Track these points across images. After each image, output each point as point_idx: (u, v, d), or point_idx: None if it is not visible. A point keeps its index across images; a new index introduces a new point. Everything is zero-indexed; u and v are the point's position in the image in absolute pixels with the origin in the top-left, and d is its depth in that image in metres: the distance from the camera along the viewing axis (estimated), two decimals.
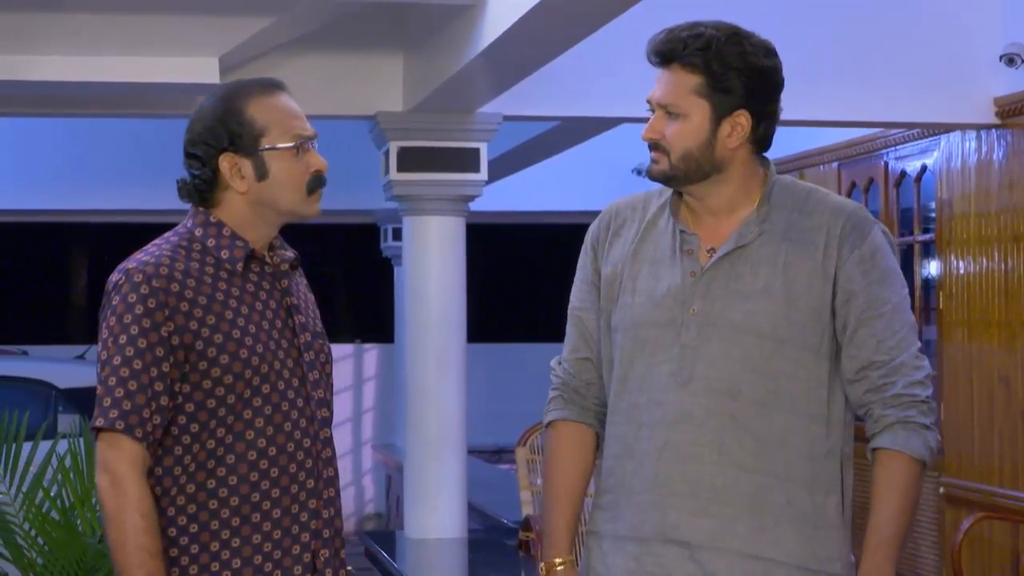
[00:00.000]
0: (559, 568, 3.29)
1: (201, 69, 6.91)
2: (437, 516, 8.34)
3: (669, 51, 3.13)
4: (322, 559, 3.17)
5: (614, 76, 7.87)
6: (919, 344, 3.14)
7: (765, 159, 3.22)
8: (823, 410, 3.11)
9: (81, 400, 9.29)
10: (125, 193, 12.13)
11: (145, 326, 3.01)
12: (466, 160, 8.29)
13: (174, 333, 3.03)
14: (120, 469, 2.99)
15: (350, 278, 17.13)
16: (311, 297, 3.35)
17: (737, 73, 3.08)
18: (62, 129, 11.61)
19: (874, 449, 3.10)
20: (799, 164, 10.32)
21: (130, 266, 3.09)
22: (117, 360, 3.01)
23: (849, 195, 9.79)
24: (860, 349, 3.08)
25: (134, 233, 15.13)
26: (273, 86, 3.23)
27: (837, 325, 3.11)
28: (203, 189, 3.17)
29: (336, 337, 15.91)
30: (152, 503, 3.00)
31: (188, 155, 3.18)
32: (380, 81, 8.22)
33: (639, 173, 12.54)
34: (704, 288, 3.13)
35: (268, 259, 3.21)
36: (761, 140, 3.16)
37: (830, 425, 3.12)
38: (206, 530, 3.07)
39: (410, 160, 8.28)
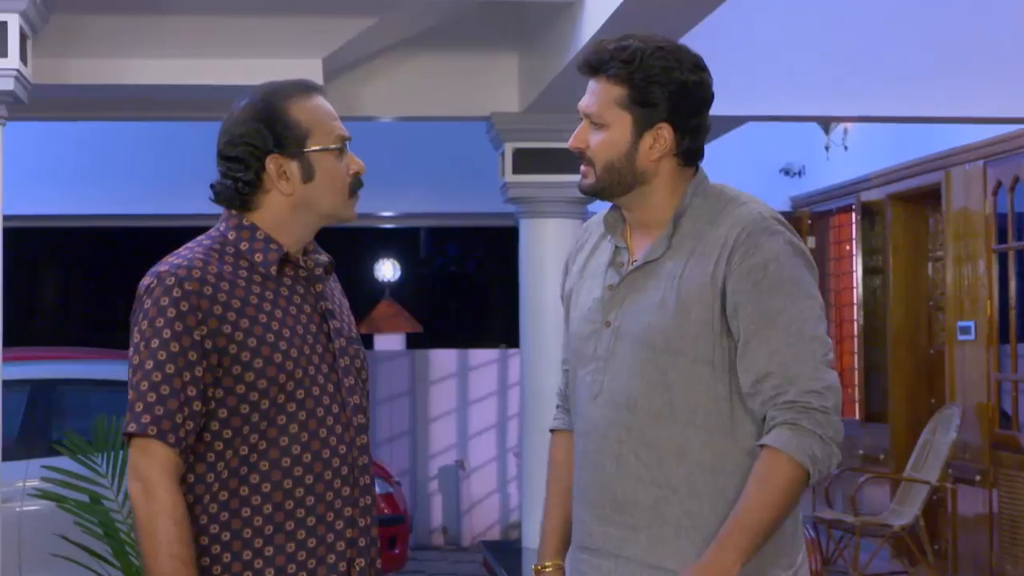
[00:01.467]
0: (547, 571, 3.41)
1: (304, 71, 6.91)
2: None
3: (596, 62, 3.18)
4: (357, 568, 3.15)
5: (734, 73, 7.78)
6: (826, 357, 3.09)
7: (698, 170, 3.24)
8: (726, 423, 3.11)
9: None
10: None
11: (178, 329, 3.02)
12: None
13: (207, 337, 3.03)
14: (152, 476, 2.99)
15: (497, 282, 17.20)
16: (345, 303, 3.35)
17: (660, 87, 3.13)
18: (184, 134, 11.76)
19: (759, 446, 3.07)
20: (944, 163, 10.12)
21: (162, 269, 3.10)
22: (149, 364, 3.02)
23: (995, 195, 9.58)
24: (752, 361, 3.07)
25: None
26: (311, 88, 3.23)
27: (733, 338, 3.10)
28: (245, 192, 3.17)
29: (481, 342, 15.96)
30: (185, 511, 3.00)
31: (227, 158, 3.16)
32: (495, 81, 8.21)
33: (787, 173, 12.40)
34: (618, 302, 3.21)
35: (303, 263, 3.21)
36: (688, 153, 3.19)
37: (738, 439, 3.11)
38: (239, 538, 3.06)
39: (526, 162, 8.25)
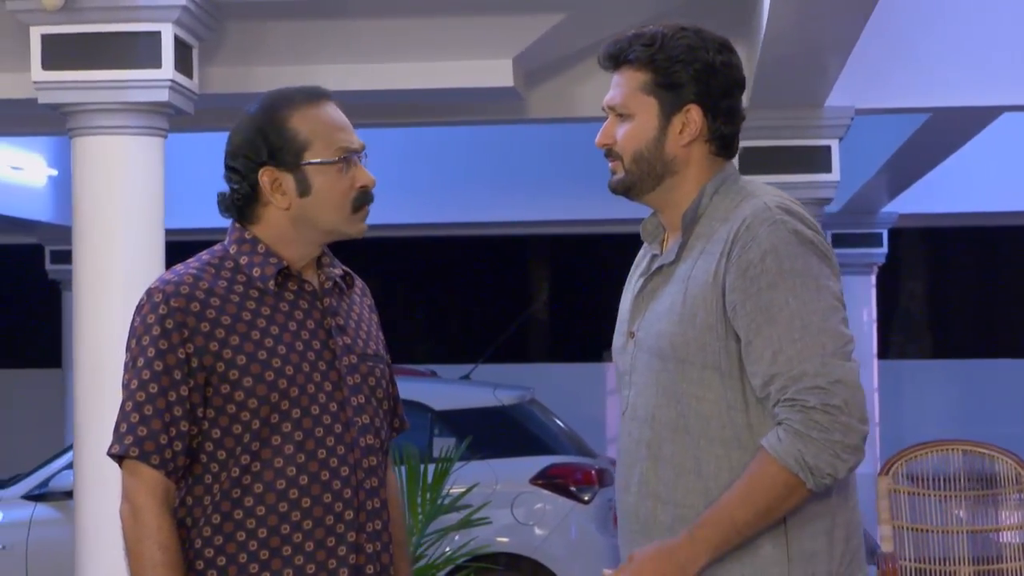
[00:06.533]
0: None
1: (494, 72, 6.96)
2: None
3: (617, 52, 3.16)
4: None
5: (987, 58, 7.49)
6: (842, 350, 2.97)
7: (730, 164, 3.18)
8: (742, 435, 3.02)
9: (457, 423, 9.34)
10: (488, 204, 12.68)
11: (162, 347, 3.07)
12: (815, 159, 8.04)
13: (193, 355, 3.07)
14: (138, 499, 3.06)
15: None
16: (372, 318, 3.34)
17: (684, 66, 3.10)
18: (370, 141, 12.01)
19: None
20: None
21: (153, 286, 3.16)
22: (134, 384, 3.09)
23: None
24: (758, 363, 2.99)
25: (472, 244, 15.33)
26: (318, 95, 3.23)
27: (739, 340, 3.02)
28: (241, 204, 3.20)
29: None
30: (173, 534, 3.05)
31: (228, 168, 3.21)
32: None
33: None
34: (641, 311, 3.16)
35: (315, 277, 3.23)
36: (722, 139, 3.14)
37: (758, 451, 2.99)
38: (234, 563, 3.09)
39: (753, 161, 8.07)
